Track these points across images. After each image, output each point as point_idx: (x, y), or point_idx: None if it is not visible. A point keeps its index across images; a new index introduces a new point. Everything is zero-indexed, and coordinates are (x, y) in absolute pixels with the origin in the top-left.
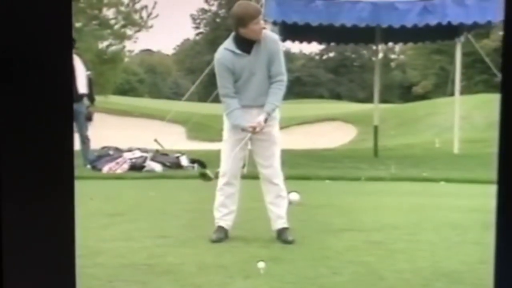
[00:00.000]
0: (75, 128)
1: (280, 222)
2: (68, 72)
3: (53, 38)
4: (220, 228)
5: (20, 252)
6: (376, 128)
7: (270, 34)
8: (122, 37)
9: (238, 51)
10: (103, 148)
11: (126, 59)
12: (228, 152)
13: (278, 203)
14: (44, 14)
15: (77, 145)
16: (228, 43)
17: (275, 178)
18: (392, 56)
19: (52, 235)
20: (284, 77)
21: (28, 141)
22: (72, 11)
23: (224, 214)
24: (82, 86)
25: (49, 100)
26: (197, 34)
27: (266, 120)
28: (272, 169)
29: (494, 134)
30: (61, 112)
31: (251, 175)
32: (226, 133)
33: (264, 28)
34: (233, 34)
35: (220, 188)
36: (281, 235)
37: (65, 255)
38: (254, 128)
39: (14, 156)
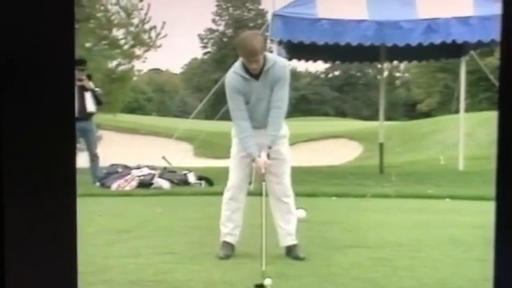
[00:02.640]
0: (84, 146)
1: (289, 239)
2: (71, 90)
3: (56, 56)
4: (227, 244)
5: (23, 268)
6: (381, 145)
7: (280, 60)
8: (131, 56)
9: (246, 75)
10: (112, 165)
11: (134, 78)
12: (235, 167)
13: (288, 220)
14: (48, 35)
15: (86, 162)
16: (237, 67)
17: (285, 195)
18: (397, 74)
19: (55, 251)
20: (283, 104)
21: (31, 157)
22: (82, 32)
23: (231, 229)
24: (90, 105)
25: (53, 117)
26: (205, 54)
27: (269, 156)
28: (282, 186)
29: None
30: (64, 129)
31: (257, 191)
32: (234, 150)
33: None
34: (241, 59)
35: (226, 203)
36: (292, 252)
37: (68, 272)
38: (261, 169)
39: (17, 172)
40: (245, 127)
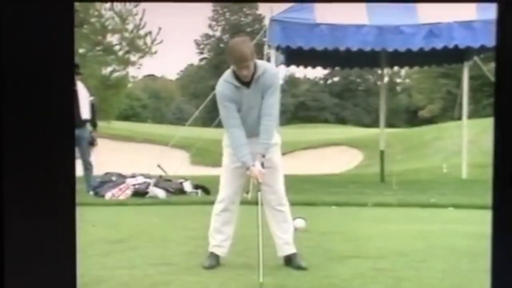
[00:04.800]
0: (77, 154)
1: (287, 248)
2: (70, 99)
3: (55, 65)
4: (213, 254)
5: (23, 278)
6: (382, 153)
7: (270, 67)
8: (126, 63)
9: (237, 83)
10: (106, 174)
11: (129, 85)
12: (227, 179)
13: (285, 229)
14: (47, 42)
15: (79, 171)
16: (228, 76)
17: (280, 203)
18: (398, 80)
19: (53, 261)
20: (274, 111)
21: (30, 166)
22: (76, 37)
23: (219, 241)
24: (85, 112)
25: (51, 126)
26: (201, 60)
27: (263, 164)
28: (276, 194)
29: None
30: (63, 137)
31: (254, 200)
32: (225, 160)
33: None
34: (231, 67)
35: (216, 214)
36: (293, 262)
37: (66, 283)
38: (257, 179)
39: (17, 182)
40: (239, 135)
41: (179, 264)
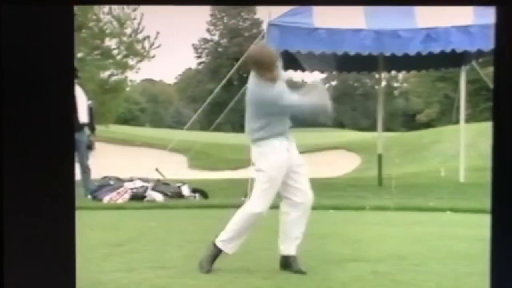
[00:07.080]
0: (75, 158)
1: (291, 249)
2: (69, 104)
3: (55, 70)
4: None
5: (22, 281)
6: (380, 157)
7: None
8: (124, 67)
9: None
10: (104, 177)
11: (127, 89)
12: (269, 189)
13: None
14: (47, 46)
15: (77, 174)
16: (257, 81)
17: (304, 200)
18: (395, 84)
19: (53, 265)
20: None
21: (30, 170)
22: (75, 41)
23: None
24: (83, 116)
25: (51, 130)
26: (199, 64)
27: None
28: (302, 192)
29: None
30: (62, 142)
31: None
32: (264, 165)
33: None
34: (252, 75)
35: (243, 220)
36: (292, 265)
37: (65, 286)
38: None
39: (16, 186)
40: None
41: (177, 267)
